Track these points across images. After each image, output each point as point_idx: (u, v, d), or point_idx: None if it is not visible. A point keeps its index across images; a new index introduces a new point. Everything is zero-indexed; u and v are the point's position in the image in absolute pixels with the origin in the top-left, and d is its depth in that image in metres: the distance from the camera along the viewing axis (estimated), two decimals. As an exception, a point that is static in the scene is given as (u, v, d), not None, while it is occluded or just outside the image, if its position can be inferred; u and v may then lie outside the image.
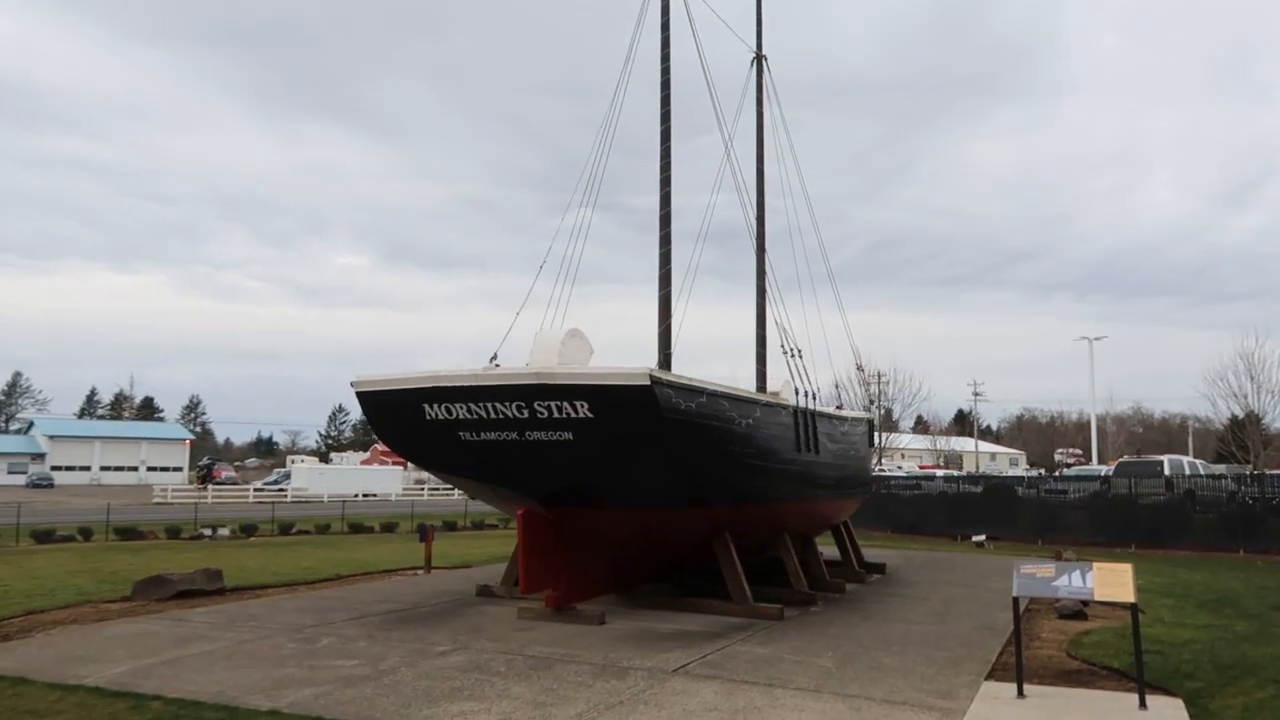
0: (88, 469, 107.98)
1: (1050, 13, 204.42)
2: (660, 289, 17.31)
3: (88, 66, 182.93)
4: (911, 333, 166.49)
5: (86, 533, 32.81)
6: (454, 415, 12.82)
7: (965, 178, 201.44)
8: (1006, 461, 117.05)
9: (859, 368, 22.37)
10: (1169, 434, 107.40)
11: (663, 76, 18.03)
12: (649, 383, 11.57)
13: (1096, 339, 68.89)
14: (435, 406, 12.89)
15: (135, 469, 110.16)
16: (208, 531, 34.70)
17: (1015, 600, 10.21)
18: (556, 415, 12.16)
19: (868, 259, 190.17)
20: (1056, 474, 47.09)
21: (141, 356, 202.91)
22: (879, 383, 74.74)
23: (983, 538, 31.94)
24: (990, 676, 10.64)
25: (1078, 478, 37.78)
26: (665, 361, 16.90)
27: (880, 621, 14.41)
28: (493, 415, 12.55)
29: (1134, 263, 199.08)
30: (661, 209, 17.56)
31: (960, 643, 12.67)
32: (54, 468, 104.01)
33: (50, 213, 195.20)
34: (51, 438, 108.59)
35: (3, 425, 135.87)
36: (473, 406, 12.61)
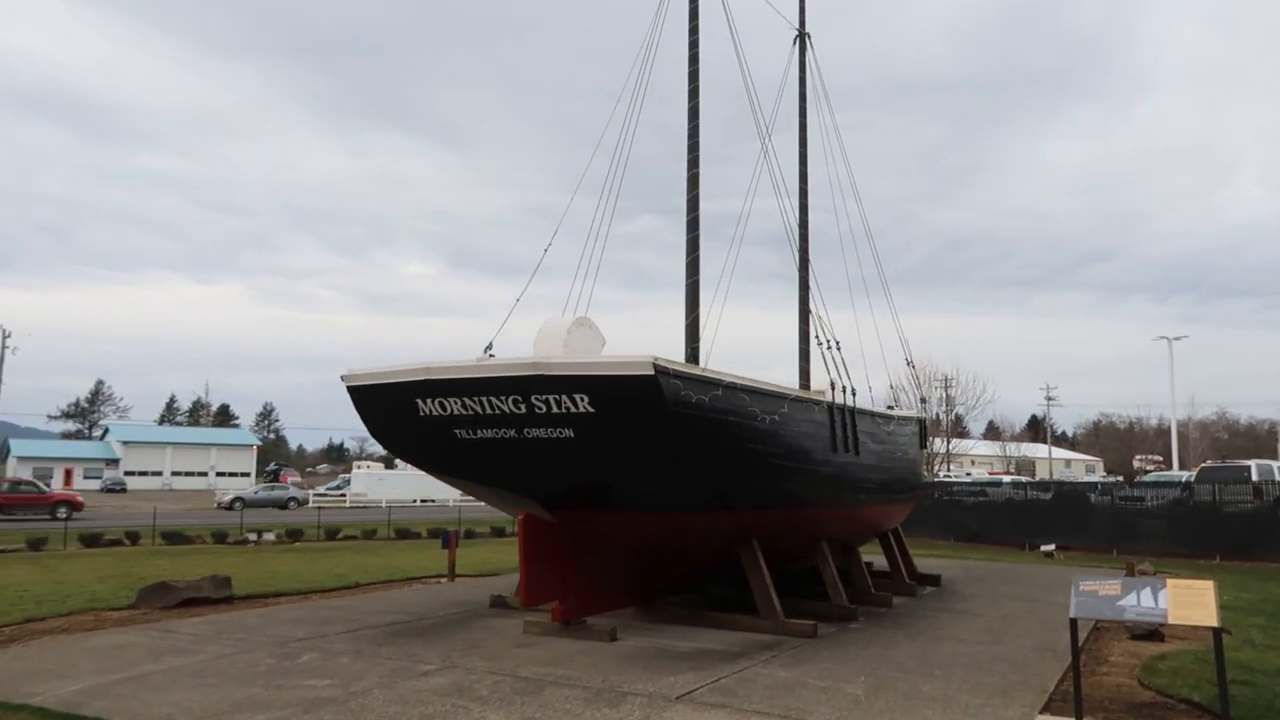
0: (160, 474, 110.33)
1: (1127, 6, 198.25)
2: (688, 277, 16.06)
3: (170, 83, 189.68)
4: (983, 336, 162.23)
5: (134, 537, 33.06)
6: (449, 411, 11.75)
7: (1037, 177, 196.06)
8: (1082, 469, 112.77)
9: (909, 363, 20.79)
10: (1256, 440, 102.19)
11: (690, 50, 16.81)
12: (652, 373, 10.35)
13: (1176, 339, 65.48)
14: (429, 401, 11.84)
15: (205, 474, 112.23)
16: (253, 536, 34.59)
17: (1073, 622, 8.73)
18: (556, 410, 11.01)
19: (937, 261, 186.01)
20: (1134, 480, 44.39)
21: (218, 364, 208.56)
22: (945, 386, 72.36)
23: (1052, 547, 29.94)
24: (1046, 709, 9.17)
25: (1156, 484, 35.42)
26: (693, 355, 15.64)
27: (926, 641, 12.95)
28: (489, 411, 11.45)
29: (1217, 263, 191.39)
30: (689, 192, 16.32)
31: (1014, 667, 11.18)
32: (127, 473, 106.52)
33: (132, 226, 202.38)
34: (125, 443, 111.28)
35: (86, 431, 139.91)
36: (468, 401, 11.53)
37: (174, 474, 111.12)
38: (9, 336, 65.08)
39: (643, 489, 12.00)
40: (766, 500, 13.22)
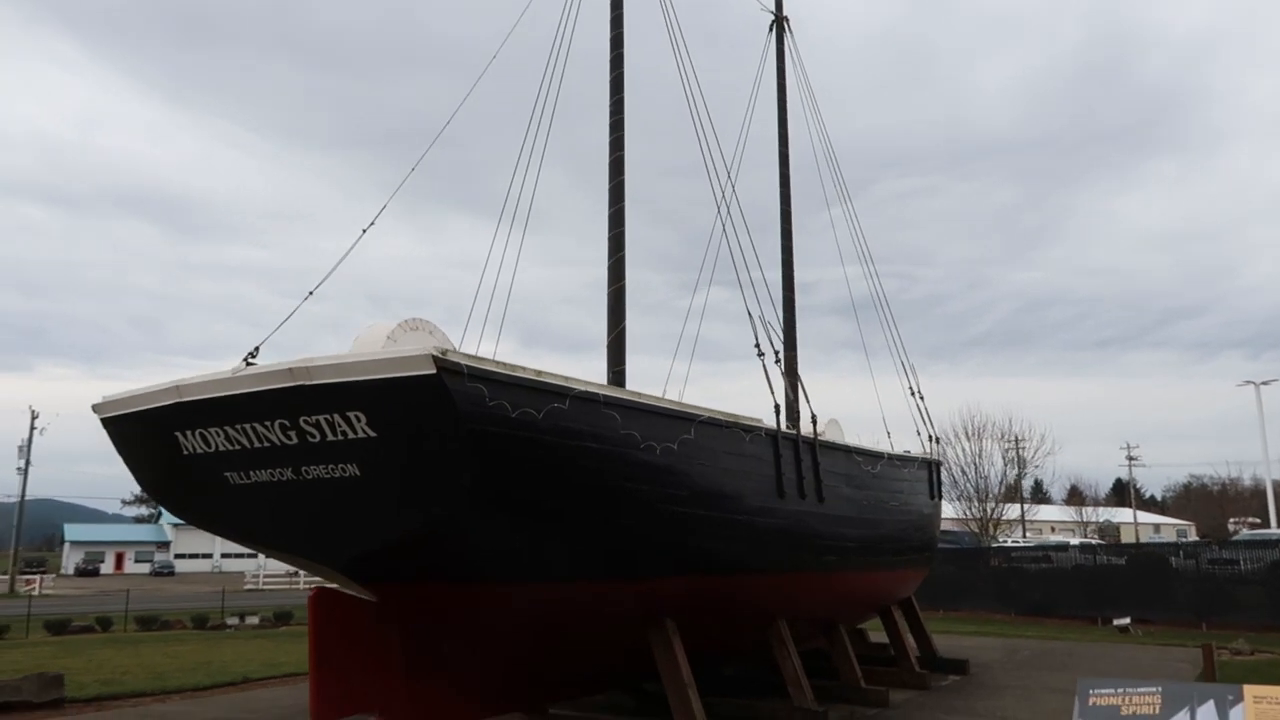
0: (210, 556, 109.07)
1: (1201, 59, 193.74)
2: (610, 283, 12.73)
3: (255, 177, 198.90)
4: (1063, 398, 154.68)
5: (105, 622, 30.85)
6: (213, 446, 8.49)
7: (1115, 234, 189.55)
8: (1173, 534, 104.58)
9: (914, 393, 16.86)
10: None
11: (613, 13, 13.78)
12: (432, 370, 6.95)
13: (1264, 383, 59.22)
14: (189, 435, 8.60)
15: (255, 556, 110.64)
16: (233, 621, 32.01)
17: (1074, 767, 4.96)
18: (331, 436, 7.68)
19: (1014, 323, 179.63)
20: (1224, 541, 38.96)
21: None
22: (1016, 447, 66.73)
23: (1127, 621, 25.25)
24: None
25: (1250, 544, 30.32)
26: (617, 379, 12.21)
27: (908, 763, 9.08)
28: (257, 443, 8.17)
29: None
30: (612, 179, 13.11)
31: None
32: (178, 555, 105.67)
33: (217, 315, 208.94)
34: (175, 525, 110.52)
35: (156, 516, 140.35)
36: (231, 432, 8.26)
37: (224, 555, 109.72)
38: (37, 418, 64.17)
39: (483, 550, 8.53)
40: (670, 565, 9.56)
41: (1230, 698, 4.81)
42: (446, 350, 7.11)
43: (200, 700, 13.78)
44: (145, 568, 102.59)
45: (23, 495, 65.40)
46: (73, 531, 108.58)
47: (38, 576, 63.34)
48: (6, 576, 61.53)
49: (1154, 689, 5.13)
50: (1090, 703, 5.15)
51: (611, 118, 13.38)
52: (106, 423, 9.36)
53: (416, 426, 7.26)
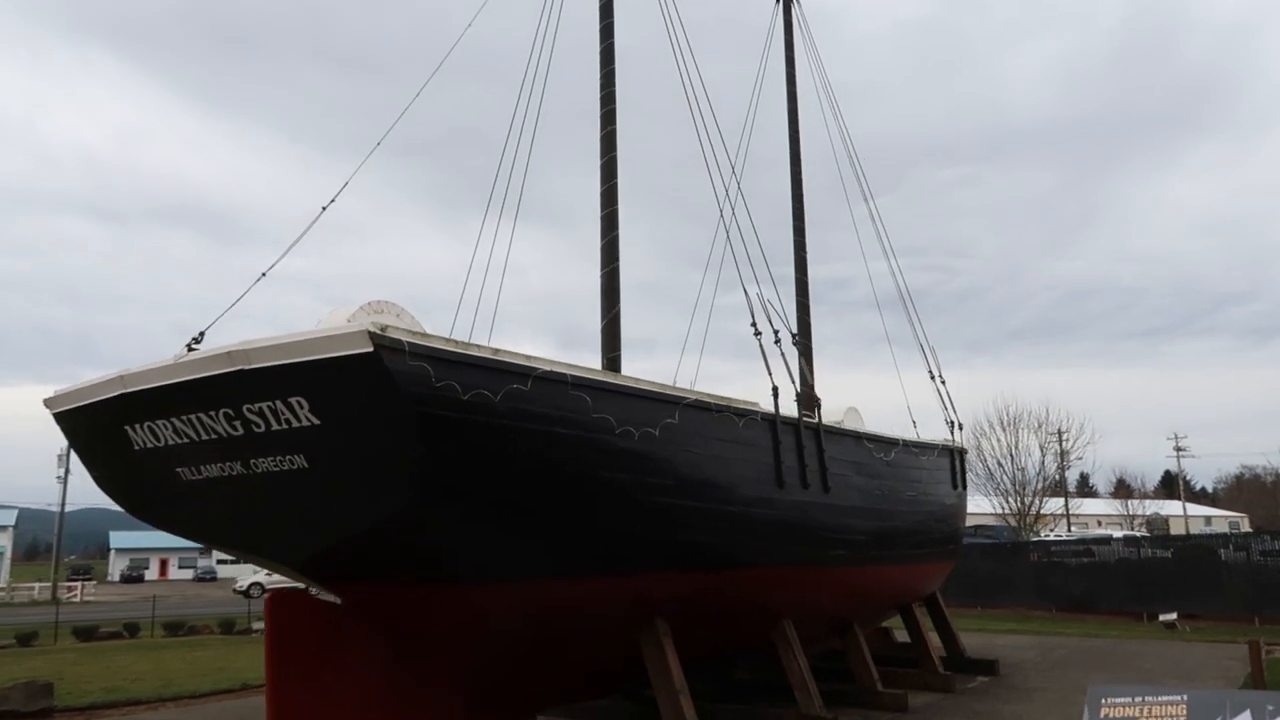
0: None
1: (1245, 37, 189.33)
2: (604, 265, 12.08)
3: (293, 186, 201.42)
4: (1109, 389, 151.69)
5: (133, 628, 30.92)
6: (162, 440, 7.95)
7: (1159, 220, 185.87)
8: (1225, 526, 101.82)
9: (933, 377, 16.02)
10: None
11: (605, -19, 13.10)
12: (370, 348, 6.32)
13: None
14: (139, 428, 8.07)
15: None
16: (258, 625, 32.00)
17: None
18: (275, 426, 7.08)
19: (1054, 314, 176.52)
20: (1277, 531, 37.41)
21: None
22: (1059, 440, 64.98)
23: (1173, 617, 24.08)
24: None
25: (1306, 534, 28.95)
26: (612, 365, 11.54)
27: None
28: (204, 435, 7.60)
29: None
30: (603, 155, 12.45)
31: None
32: (219, 561, 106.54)
33: (260, 324, 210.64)
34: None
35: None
36: (177, 424, 7.71)
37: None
38: (76, 426, 64.67)
39: (447, 546, 7.89)
40: (657, 560, 8.85)
41: (1270, 708, 3.98)
42: (386, 326, 6.48)
43: (191, 708, 13.37)
44: (188, 574, 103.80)
45: (63, 504, 66.18)
46: (118, 539, 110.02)
47: (79, 584, 64.19)
48: (49, 584, 62.37)
49: (1178, 698, 4.32)
50: (1102, 714, 4.35)
51: (602, 90, 12.74)
52: (59, 418, 8.86)
53: (357, 410, 6.64)
